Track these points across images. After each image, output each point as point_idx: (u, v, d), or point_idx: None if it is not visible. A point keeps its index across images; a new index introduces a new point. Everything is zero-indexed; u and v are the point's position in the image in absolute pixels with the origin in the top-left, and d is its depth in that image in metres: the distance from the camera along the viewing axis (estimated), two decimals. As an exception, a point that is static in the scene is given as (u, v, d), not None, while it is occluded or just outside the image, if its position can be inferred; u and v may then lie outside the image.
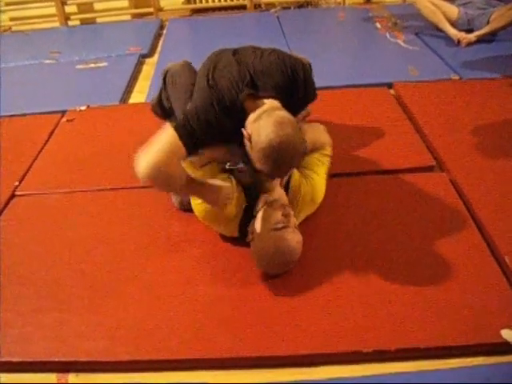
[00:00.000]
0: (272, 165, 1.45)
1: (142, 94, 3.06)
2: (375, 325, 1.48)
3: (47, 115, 2.77)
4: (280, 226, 1.57)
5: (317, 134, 1.93)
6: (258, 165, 1.48)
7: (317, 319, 1.52)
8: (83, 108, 2.80)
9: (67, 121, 2.69)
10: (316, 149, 1.88)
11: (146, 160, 1.52)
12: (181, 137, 1.53)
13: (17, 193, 2.16)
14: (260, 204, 1.67)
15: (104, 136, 2.53)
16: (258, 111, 1.52)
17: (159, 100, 2.10)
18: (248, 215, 1.71)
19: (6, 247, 1.87)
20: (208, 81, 1.68)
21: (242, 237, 1.73)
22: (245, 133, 1.50)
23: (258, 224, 1.61)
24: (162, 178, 1.55)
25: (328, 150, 1.91)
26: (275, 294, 1.61)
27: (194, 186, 1.66)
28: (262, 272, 1.67)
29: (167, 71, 2.03)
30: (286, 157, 1.44)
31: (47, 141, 2.52)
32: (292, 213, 1.65)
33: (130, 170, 2.22)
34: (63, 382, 1.44)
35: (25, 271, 1.76)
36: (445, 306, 1.53)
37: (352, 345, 1.44)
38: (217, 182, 1.68)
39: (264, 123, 1.45)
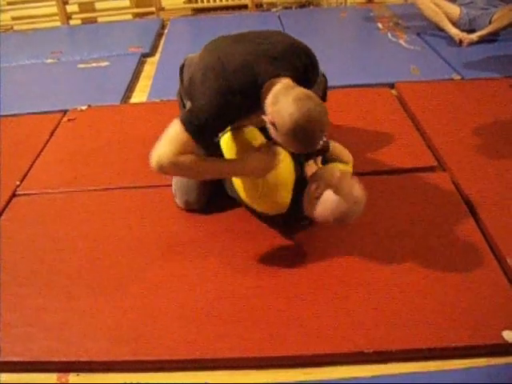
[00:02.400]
0: (303, 142, 1.46)
1: (143, 93, 3.06)
2: (376, 325, 1.48)
3: (48, 115, 2.77)
4: (348, 175, 1.59)
5: (338, 149, 1.92)
6: (289, 146, 1.50)
7: (318, 320, 1.51)
8: (84, 107, 2.80)
9: (68, 120, 2.69)
10: (341, 156, 1.90)
11: (156, 155, 1.54)
12: (190, 133, 1.52)
13: (18, 192, 2.16)
14: (308, 171, 1.68)
15: (105, 135, 2.53)
16: (274, 93, 1.49)
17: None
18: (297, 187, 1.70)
19: (7, 247, 1.87)
20: (213, 66, 1.59)
21: (293, 208, 1.72)
22: (266, 119, 1.49)
23: (323, 184, 1.59)
24: (174, 171, 1.60)
25: (350, 167, 1.92)
26: (277, 294, 1.60)
27: (226, 166, 1.64)
28: (264, 272, 1.67)
29: (184, 62, 1.99)
30: (316, 130, 1.44)
31: (48, 140, 2.52)
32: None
33: (132, 170, 2.24)
34: (64, 381, 1.44)
35: (26, 271, 1.76)
36: (446, 306, 1.52)
37: (354, 345, 1.43)
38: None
39: (283, 104, 1.43)
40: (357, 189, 1.58)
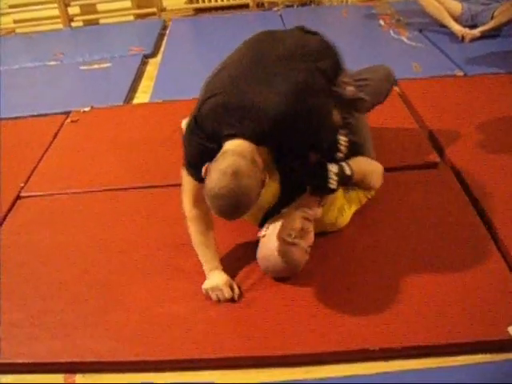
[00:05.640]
0: (215, 210, 1.42)
1: (145, 94, 3.07)
2: (382, 323, 1.48)
3: (51, 116, 2.78)
4: (291, 238, 1.57)
5: (371, 170, 1.84)
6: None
7: (323, 318, 1.51)
8: (87, 109, 2.81)
9: (71, 122, 2.70)
10: (363, 184, 1.81)
11: (184, 205, 1.66)
12: (192, 175, 1.58)
13: (22, 194, 2.17)
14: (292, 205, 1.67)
15: (108, 136, 2.54)
16: (221, 150, 1.44)
17: None
18: (276, 208, 1.69)
19: (12, 248, 1.88)
20: (201, 96, 1.57)
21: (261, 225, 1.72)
22: (203, 169, 1.45)
23: (274, 227, 1.61)
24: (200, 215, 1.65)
25: (372, 194, 1.88)
26: (281, 293, 1.60)
27: (201, 257, 1.69)
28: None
29: None
30: (227, 208, 1.39)
31: (52, 142, 2.53)
32: (312, 231, 1.63)
33: (135, 170, 2.24)
34: (71, 381, 1.45)
35: (31, 272, 1.77)
36: (451, 303, 1.52)
37: (359, 343, 1.43)
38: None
39: (214, 167, 1.39)
40: (297, 253, 1.58)
